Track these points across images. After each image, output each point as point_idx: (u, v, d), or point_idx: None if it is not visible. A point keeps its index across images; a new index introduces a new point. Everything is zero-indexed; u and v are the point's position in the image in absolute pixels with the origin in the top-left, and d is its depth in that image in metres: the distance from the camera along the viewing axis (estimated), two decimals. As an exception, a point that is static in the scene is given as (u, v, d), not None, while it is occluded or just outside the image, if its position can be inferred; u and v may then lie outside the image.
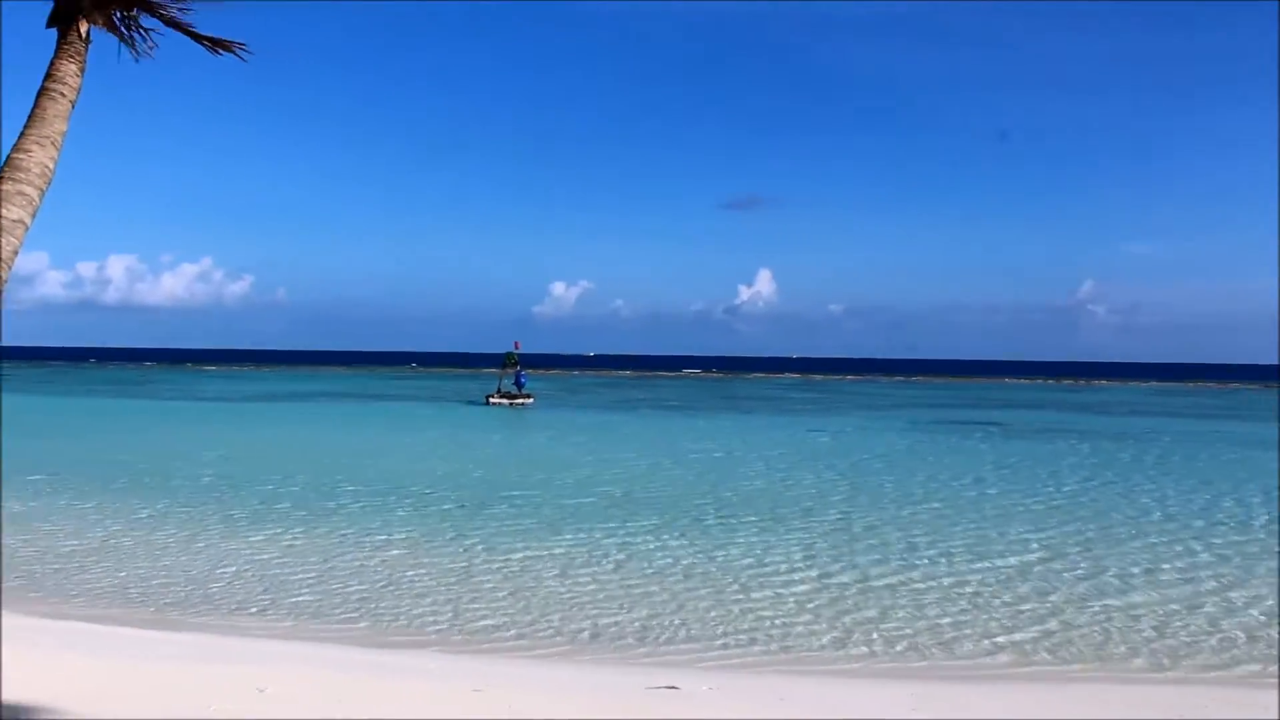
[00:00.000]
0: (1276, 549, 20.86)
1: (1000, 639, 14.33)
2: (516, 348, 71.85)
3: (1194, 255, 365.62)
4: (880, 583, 17.58)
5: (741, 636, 14.32)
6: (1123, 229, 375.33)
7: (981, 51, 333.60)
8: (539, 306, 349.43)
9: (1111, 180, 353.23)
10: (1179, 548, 21.06)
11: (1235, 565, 19.37)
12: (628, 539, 21.16)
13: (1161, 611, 15.89)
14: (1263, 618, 15.63)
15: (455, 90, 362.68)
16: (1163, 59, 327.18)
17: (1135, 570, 18.85)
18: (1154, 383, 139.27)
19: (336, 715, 9.33)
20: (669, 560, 19.18)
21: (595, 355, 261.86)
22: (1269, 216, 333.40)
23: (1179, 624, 15.21)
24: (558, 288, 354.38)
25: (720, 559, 19.33)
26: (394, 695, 10.33)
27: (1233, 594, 17.15)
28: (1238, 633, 14.78)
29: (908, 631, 14.64)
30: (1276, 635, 14.65)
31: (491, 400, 68.44)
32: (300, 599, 16.15)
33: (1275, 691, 11.95)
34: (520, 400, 68.08)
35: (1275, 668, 13.14)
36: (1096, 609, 16.03)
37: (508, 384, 69.82)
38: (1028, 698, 11.70)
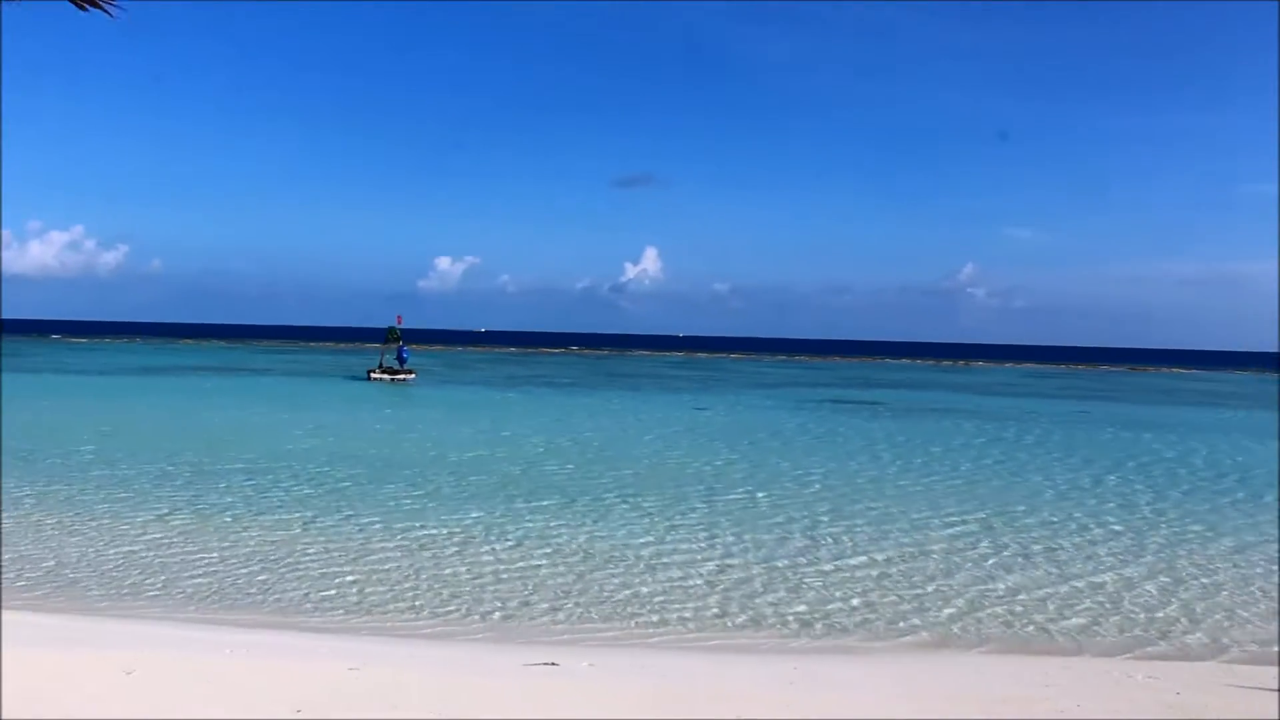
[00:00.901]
0: (1164, 527, 21.27)
1: (891, 616, 14.34)
2: (399, 322, 70.78)
3: (1068, 241, 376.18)
4: (770, 561, 17.42)
5: (628, 614, 14.21)
6: (1004, 213, 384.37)
7: (866, 40, 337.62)
8: (424, 281, 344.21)
9: (993, 165, 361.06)
10: (1073, 525, 21.30)
11: (1129, 541, 19.74)
12: (526, 517, 20.72)
13: (1064, 590, 15.94)
14: (1159, 594, 15.79)
15: (341, 64, 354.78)
16: (1044, 53, 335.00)
17: (1036, 548, 18.96)
18: (1029, 364, 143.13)
19: (201, 696, 8.92)
20: (566, 538, 18.90)
21: (487, 331, 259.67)
22: (1133, 204, 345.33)
23: (1080, 602, 15.28)
24: (443, 262, 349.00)
25: (614, 537, 19.07)
26: (265, 675, 9.92)
27: (1128, 571, 17.31)
28: (1139, 612, 14.81)
29: (798, 609, 14.63)
30: (1177, 613, 14.79)
31: (373, 375, 67.09)
32: (196, 581, 15.52)
33: (1167, 664, 12.07)
34: (402, 376, 66.80)
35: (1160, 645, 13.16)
36: (999, 588, 16.02)
37: (390, 359, 68.63)
38: (910, 671, 11.55)
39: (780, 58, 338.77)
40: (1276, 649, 13.08)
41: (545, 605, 14.55)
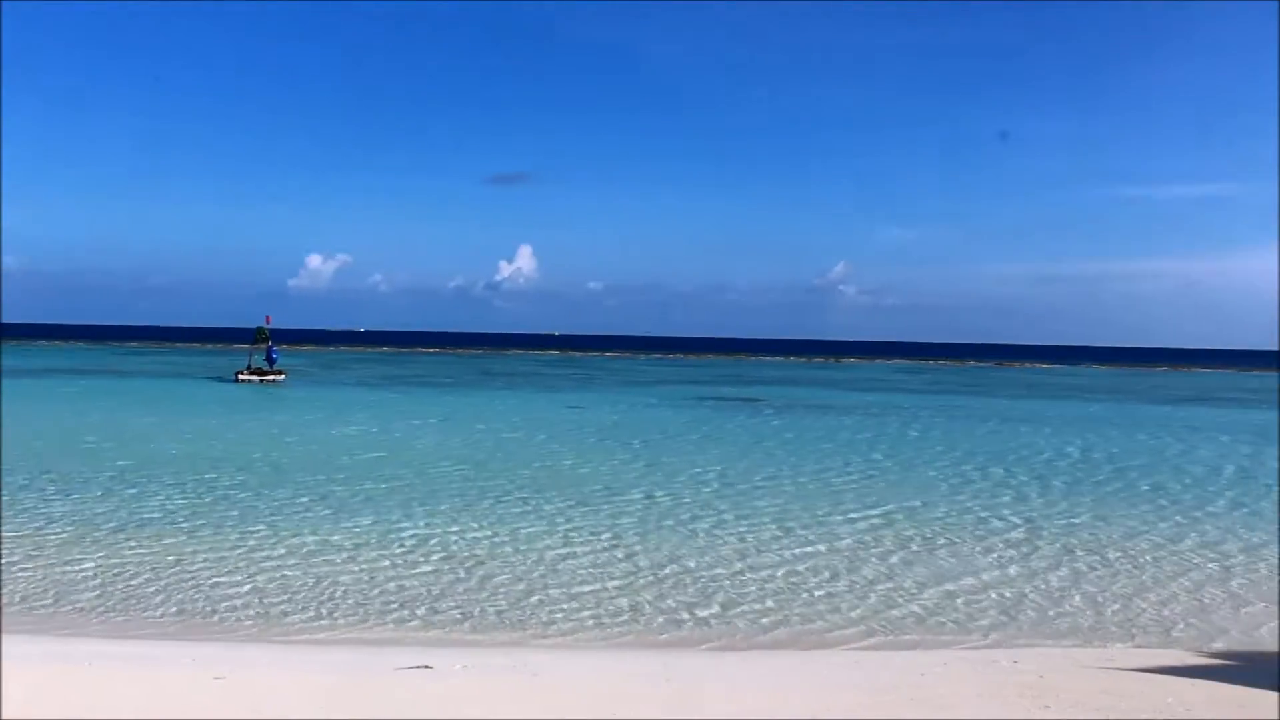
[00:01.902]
0: (1060, 520, 21.55)
1: (771, 612, 14.36)
2: (268, 322, 68.88)
3: (938, 239, 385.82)
4: (662, 561, 17.23)
5: (513, 615, 14.06)
6: (875, 212, 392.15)
7: (742, 39, 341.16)
8: (294, 280, 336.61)
9: (866, 166, 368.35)
10: (969, 519, 21.56)
11: (1024, 533, 20.14)
12: (421, 520, 20.17)
13: (943, 584, 16.09)
14: (1061, 585, 16.11)
15: (206, 57, 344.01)
16: (911, 53, 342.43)
17: (941, 543, 19.14)
18: (899, 360, 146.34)
19: (64, 714, 8.65)
20: (459, 541, 18.45)
21: (367, 331, 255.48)
22: (999, 205, 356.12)
23: (958, 594, 15.49)
24: (314, 260, 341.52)
25: (509, 539, 18.70)
26: (129, 686, 9.62)
27: (1033, 562, 17.68)
28: (1010, 602, 15.13)
29: (681, 607, 14.54)
30: (1081, 602, 15.19)
31: (241, 377, 65.12)
32: (82, 596, 14.68)
33: (1033, 650, 12.44)
34: (271, 376, 64.98)
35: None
36: (885, 584, 16.06)
37: (258, 360, 66.81)
38: (789, 666, 11.66)
39: (658, 56, 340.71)
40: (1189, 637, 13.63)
41: (427, 608, 14.27)
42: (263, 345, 67.20)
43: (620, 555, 17.54)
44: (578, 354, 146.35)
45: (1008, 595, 15.41)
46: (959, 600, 15.13)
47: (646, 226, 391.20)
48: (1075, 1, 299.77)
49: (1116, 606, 14.95)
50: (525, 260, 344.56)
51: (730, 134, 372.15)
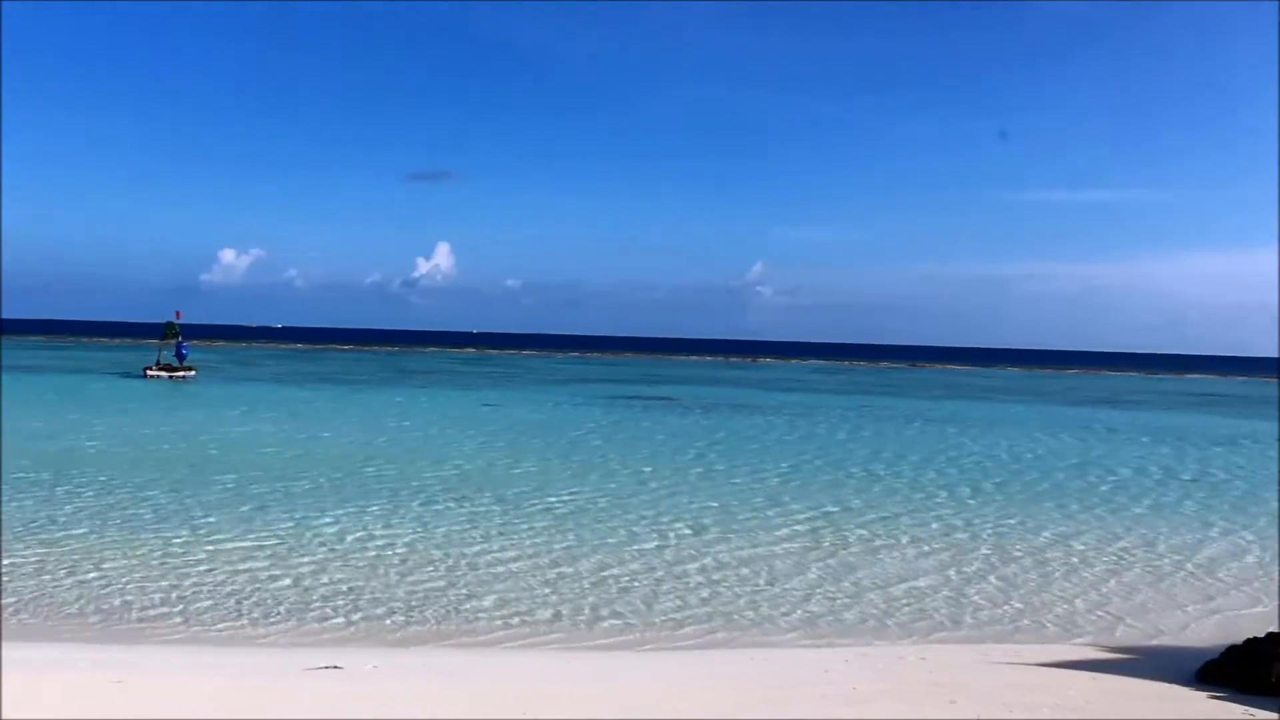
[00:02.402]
0: (987, 521, 22.01)
1: (688, 610, 14.47)
2: (178, 317, 67.35)
3: (853, 241, 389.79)
4: (583, 560, 17.33)
5: (428, 615, 13.94)
6: (792, 214, 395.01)
7: (663, 39, 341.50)
8: (207, 275, 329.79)
9: (782, 167, 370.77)
10: (906, 520, 21.84)
11: (951, 533, 20.59)
12: (345, 520, 19.97)
13: (878, 584, 16.25)
14: (978, 585, 16.44)
15: (119, 48, 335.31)
16: (831, 58, 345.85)
17: (865, 543, 19.39)
18: (814, 360, 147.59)
19: None
20: (383, 541, 18.37)
21: (284, 327, 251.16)
22: (913, 207, 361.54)
23: (869, 593, 15.73)
24: (227, 255, 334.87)
25: (435, 539, 18.64)
26: (24, 690, 9.23)
27: (955, 562, 18.02)
28: (956, 599, 15.41)
29: (597, 606, 14.62)
30: (994, 600, 15.43)
31: (150, 373, 63.73)
32: None
33: (940, 647, 12.65)
34: (181, 373, 63.66)
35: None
36: (828, 583, 16.21)
37: (168, 355, 65.39)
38: (699, 663, 11.79)
39: (577, 55, 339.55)
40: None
41: (347, 609, 14.11)
42: (172, 341, 65.73)
43: (548, 556, 17.44)
44: (495, 352, 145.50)
45: (925, 594, 15.62)
46: (877, 598, 15.31)
47: (564, 225, 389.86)
48: (986, 5, 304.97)
49: (1027, 605, 15.26)
50: (443, 257, 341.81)
51: (647, 134, 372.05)
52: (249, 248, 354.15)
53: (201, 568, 15.96)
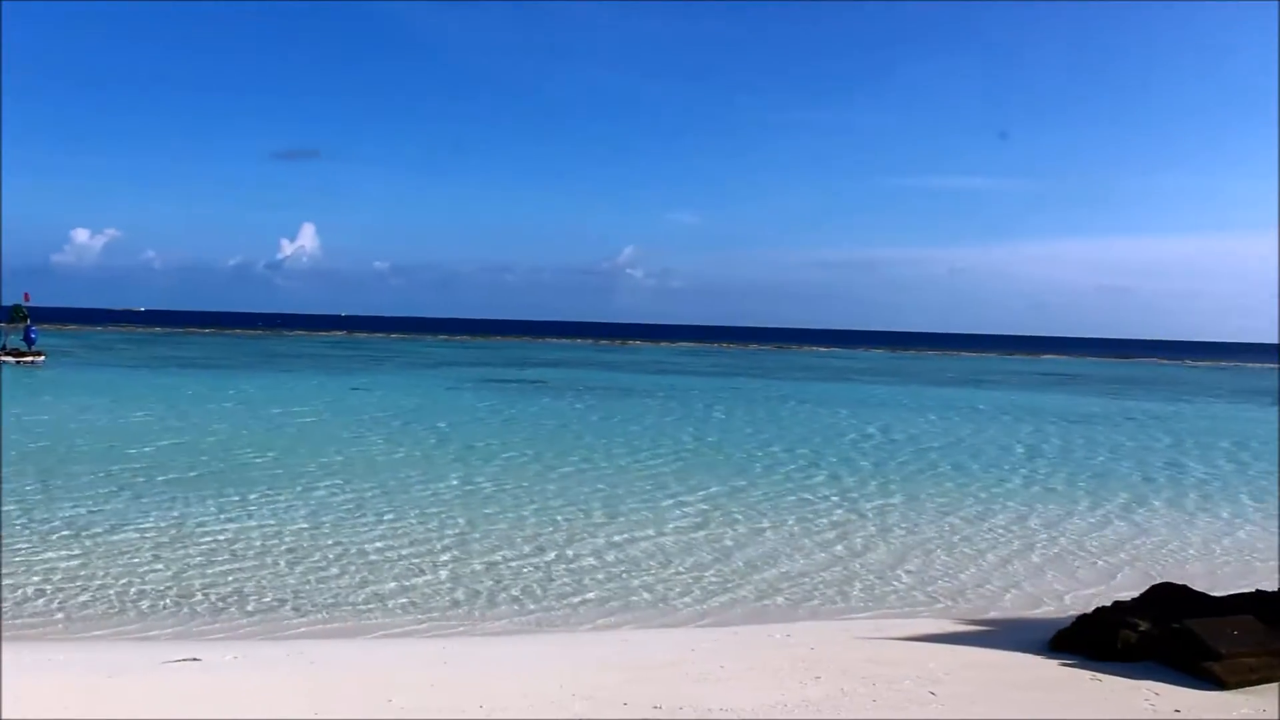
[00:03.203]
0: (861, 498, 22.42)
1: (560, 594, 14.41)
2: (26, 300, 64.84)
3: (722, 225, 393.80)
4: (463, 545, 17.02)
5: (313, 603, 13.67)
6: (663, 198, 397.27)
7: (536, 22, 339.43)
8: (58, 255, 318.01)
9: (654, 151, 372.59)
10: (791, 499, 22.17)
11: (823, 511, 20.84)
12: (221, 511, 19.22)
13: (729, 563, 16.39)
14: (848, 561, 16.69)
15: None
16: (705, 43, 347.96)
17: (747, 524, 19.45)
18: (683, 343, 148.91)
19: None
20: (256, 531, 17.64)
21: (147, 310, 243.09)
22: (781, 191, 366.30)
23: (740, 572, 15.80)
24: (80, 235, 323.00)
25: (309, 527, 18.08)
26: None
27: (825, 540, 18.22)
28: (791, 579, 15.54)
29: (469, 590, 14.42)
30: (863, 576, 15.59)
31: (-5, 358, 60.89)
32: None
33: (806, 624, 12.78)
34: (29, 358, 61.12)
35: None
36: (701, 564, 16.25)
37: (15, 340, 62.73)
38: (565, 646, 11.75)
39: (448, 36, 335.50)
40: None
41: (216, 600, 13.63)
42: (20, 324, 63.21)
43: (439, 542, 17.12)
44: (363, 335, 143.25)
45: (792, 573, 15.75)
46: (748, 578, 15.38)
47: (434, 206, 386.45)
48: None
49: (895, 580, 15.52)
50: (309, 239, 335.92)
51: (520, 115, 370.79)
52: (103, 228, 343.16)
53: (76, 562, 15.20)
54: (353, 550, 16.40)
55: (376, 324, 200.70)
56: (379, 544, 16.87)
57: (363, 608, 13.50)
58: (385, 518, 18.91)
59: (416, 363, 77.73)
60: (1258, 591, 12.77)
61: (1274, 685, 9.45)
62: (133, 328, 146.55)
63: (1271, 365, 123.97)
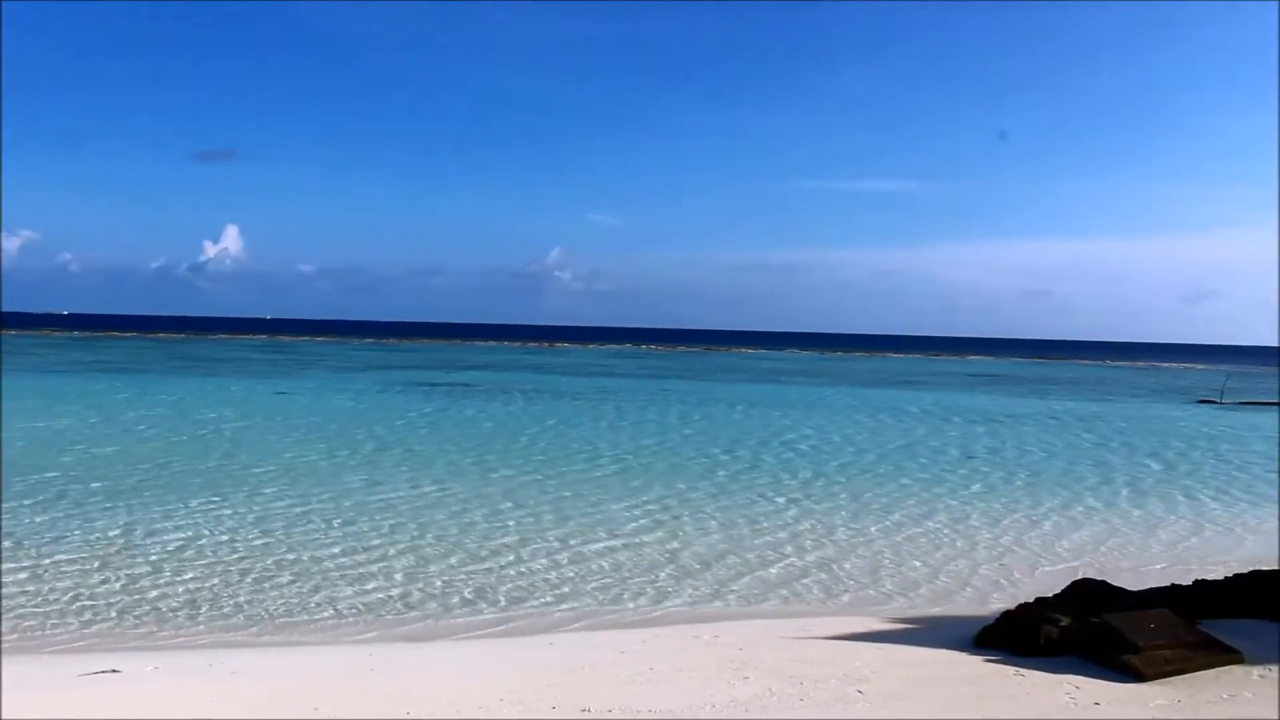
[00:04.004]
0: (811, 500, 22.58)
1: (490, 598, 14.36)
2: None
3: (647, 227, 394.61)
4: (403, 552, 16.88)
5: (209, 614, 13.39)
6: (590, 199, 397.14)
7: (460, 23, 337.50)
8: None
9: (581, 153, 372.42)
10: (724, 501, 22.32)
11: (783, 513, 21.07)
12: (174, 518, 18.94)
13: (660, 565, 16.39)
14: (779, 561, 16.67)
15: None
16: (630, 46, 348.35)
17: (694, 526, 19.59)
18: (610, 345, 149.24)
19: None
20: (183, 540, 17.31)
21: (70, 314, 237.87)
22: (702, 194, 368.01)
23: (669, 574, 15.87)
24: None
25: (266, 534, 17.85)
26: None
27: (758, 539, 18.37)
28: (719, 580, 15.64)
29: (393, 596, 14.35)
30: (791, 576, 15.71)
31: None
32: None
33: (735, 624, 12.82)
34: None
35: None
36: (601, 567, 16.20)
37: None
38: (490, 650, 11.69)
39: (373, 36, 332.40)
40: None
41: (182, 610, 13.44)
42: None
43: (394, 548, 16.97)
44: (288, 339, 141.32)
45: (725, 573, 15.86)
46: (681, 580, 15.44)
47: (361, 208, 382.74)
48: (780, 4, 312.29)
49: (822, 580, 15.68)
50: (232, 241, 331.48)
51: (448, 117, 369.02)
52: (17, 229, 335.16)
53: (23, 575, 14.77)
54: (296, 558, 16.17)
55: (303, 327, 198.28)
56: (323, 551, 16.66)
57: (298, 616, 13.32)
58: (334, 524, 18.72)
59: (344, 366, 76.82)
60: (1173, 585, 13.11)
61: (1189, 676, 9.67)
62: (49, 331, 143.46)
63: (1184, 365, 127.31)
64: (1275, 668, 9.92)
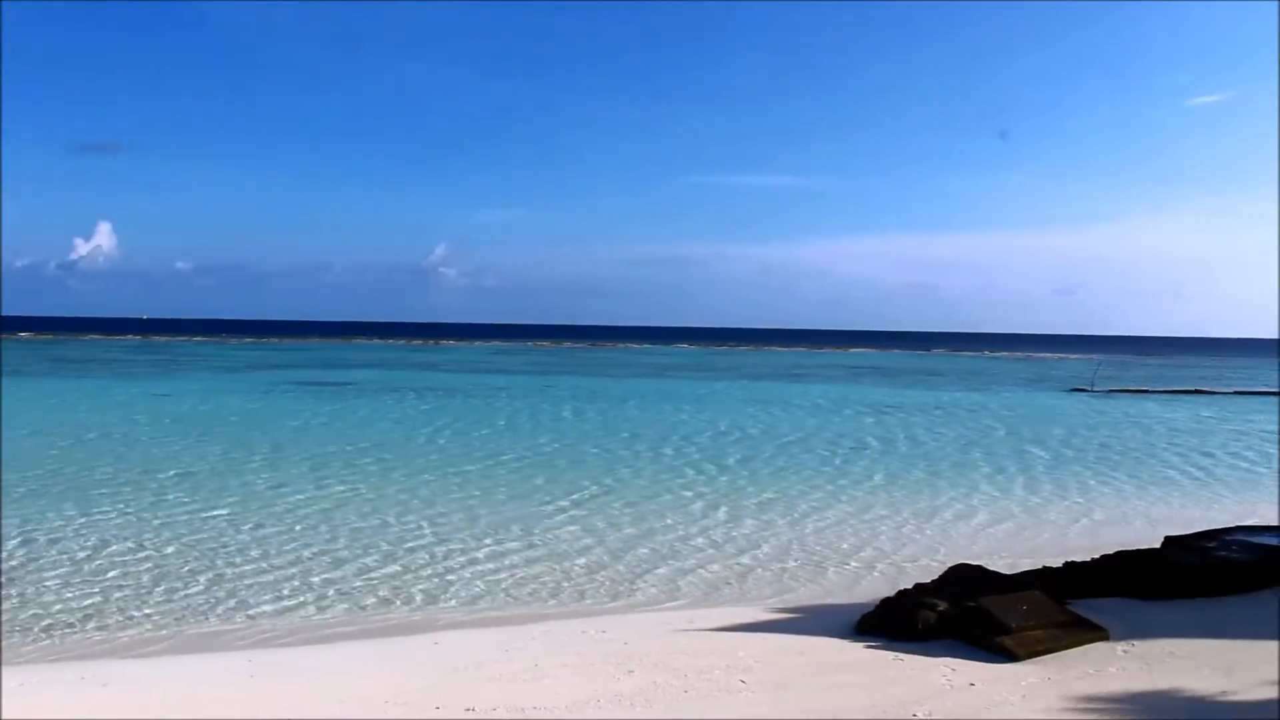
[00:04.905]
0: (694, 492, 22.77)
1: (373, 600, 14.16)
2: None
3: (535, 222, 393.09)
4: (274, 555, 16.46)
5: (87, 624, 12.87)
6: (475, 195, 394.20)
7: (347, 12, 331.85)
8: None
9: (466, 147, 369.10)
10: (637, 494, 22.50)
11: (670, 505, 21.25)
12: (77, 524, 18.35)
13: (538, 560, 16.39)
14: (653, 555, 16.66)
15: None
16: (515, 39, 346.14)
17: (605, 519, 19.60)
18: (496, 341, 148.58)
19: None
20: (75, 545, 16.82)
21: None
22: (592, 189, 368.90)
23: (550, 570, 15.82)
24: None
25: (174, 539, 17.36)
26: None
27: (643, 534, 18.33)
28: (601, 575, 15.68)
29: (269, 602, 13.94)
30: (669, 568, 15.72)
31: None
32: None
33: (618, 618, 12.79)
34: None
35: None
36: (478, 564, 16.11)
37: None
38: (372, 652, 11.46)
39: (259, 23, 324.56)
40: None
41: (91, 622, 12.93)
42: None
43: (307, 550, 16.71)
44: (164, 339, 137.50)
45: (611, 568, 15.90)
46: (569, 575, 15.44)
47: (239, 203, 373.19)
48: (671, 2, 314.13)
49: (707, 571, 15.80)
50: (105, 238, 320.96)
51: (330, 109, 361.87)
52: None
53: None
54: (219, 562, 15.85)
55: (180, 326, 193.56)
56: (242, 554, 16.36)
57: (190, 624, 12.99)
58: (247, 530, 18.23)
59: (225, 367, 74.85)
60: (1044, 568, 13.54)
61: (1059, 654, 10.01)
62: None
63: (1059, 355, 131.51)
64: (1138, 642, 10.32)
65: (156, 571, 15.26)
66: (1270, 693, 8.91)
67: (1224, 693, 8.93)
